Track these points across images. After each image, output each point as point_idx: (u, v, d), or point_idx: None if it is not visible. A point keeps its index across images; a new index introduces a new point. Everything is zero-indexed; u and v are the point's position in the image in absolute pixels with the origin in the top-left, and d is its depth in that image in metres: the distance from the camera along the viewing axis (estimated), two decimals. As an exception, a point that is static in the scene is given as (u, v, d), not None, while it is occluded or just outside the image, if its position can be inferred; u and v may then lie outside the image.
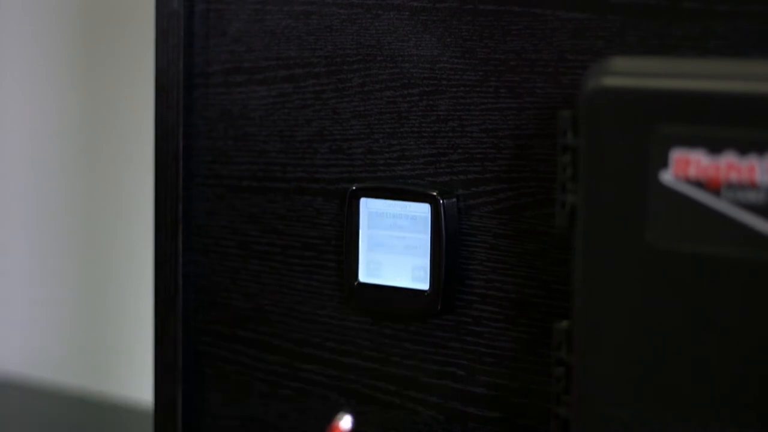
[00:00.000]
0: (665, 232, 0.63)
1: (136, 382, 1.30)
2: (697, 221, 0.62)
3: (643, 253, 0.63)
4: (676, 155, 0.62)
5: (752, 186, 0.60)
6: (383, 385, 0.82)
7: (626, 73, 0.64)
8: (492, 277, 0.77)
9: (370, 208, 0.80)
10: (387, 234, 0.79)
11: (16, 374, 1.41)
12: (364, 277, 0.80)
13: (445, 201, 0.77)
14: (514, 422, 0.77)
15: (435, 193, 0.77)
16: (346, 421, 0.74)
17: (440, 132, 0.78)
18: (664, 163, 0.62)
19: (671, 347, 0.63)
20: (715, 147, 0.61)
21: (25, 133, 1.42)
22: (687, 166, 0.62)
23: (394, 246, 0.79)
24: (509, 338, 0.77)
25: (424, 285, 0.78)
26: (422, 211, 0.78)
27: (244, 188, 0.86)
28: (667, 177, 0.62)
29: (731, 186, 0.61)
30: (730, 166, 0.61)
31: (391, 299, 0.79)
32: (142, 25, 1.16)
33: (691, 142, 0.61)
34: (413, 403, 0.81)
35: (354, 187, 0.80)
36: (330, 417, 0.83)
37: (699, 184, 0.61)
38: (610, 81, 0.64)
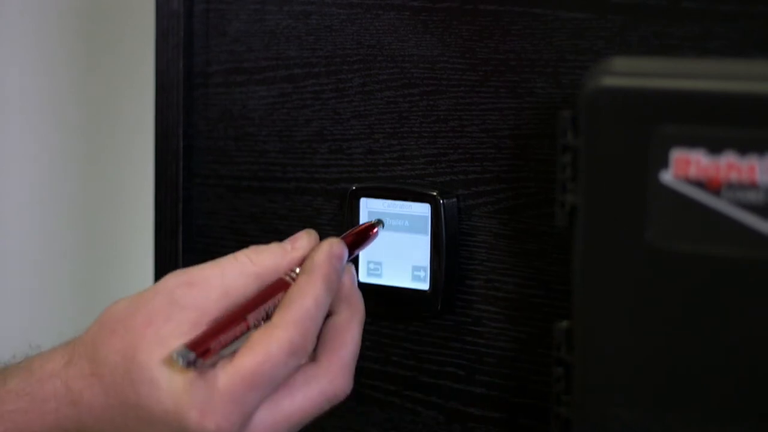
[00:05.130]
0: (665, 232, 0.62)
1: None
2: (697, 221, 0.62)
3: (643, 253, 0.63)
4: (676, 155, 0.62)
5: (752, 186, 0.60)
6: (383, 385, 0.82)
7: (626, 73, 0.64)
8: (492, 277, 0.77)
9: (370, 208, 0.80)
10: (387, 234, 0.79)
11: (16, 374, 1.41)
12: (364, 277, 0.80)
13: (445, 201, 0.77)
14: (514, 422, 0.77)
15: (435, 193, 0.77)
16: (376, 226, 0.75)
17: (440, 132, 0.78)
18: (664, 163, 0.62)
19: (671, 347, 0.63)
20: (715, 147, 0.61)
21: (24, 133, 1.42)
22: (687, 166, 0.62)
23: (395, 246, 0.79)
24: (509, 338, 0.77)
25: (424, 285, 0.78)
26: (422, 211, 0.78)
27: (244, 188, 0.86)
28: (667, 177, 0.62)
29: (731, 186, 0.61)
30: (730, 166, 0.61)
31: (391, 299, 0.79)
32: (142, 25, 1.16)
33: (691, 142, 0.61)
34: (413, 403, 0.81)
35: (354, 187, 0.80)
36: (330, 417, 0.83)
37: (699, 184, 0.61)
38: (610, 81, 0.64)
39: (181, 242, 0.88)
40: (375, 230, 0.75)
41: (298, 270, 0.68)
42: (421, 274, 0.78)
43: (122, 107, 1.35)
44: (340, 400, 0.68)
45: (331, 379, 0.67)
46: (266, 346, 0.64)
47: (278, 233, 0.85)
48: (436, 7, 0.77)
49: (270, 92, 0.85)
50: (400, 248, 0.79)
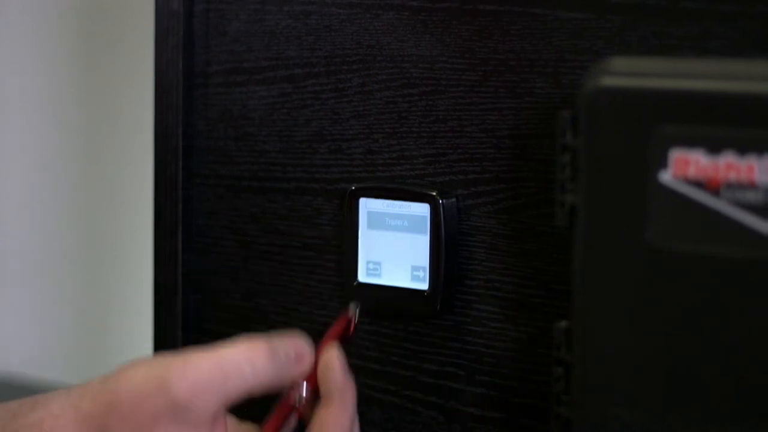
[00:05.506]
0: (665, 232, 0.62)
1: (137, 382, 1.30)
2: (696, 221, 0.62)
3: (642, 253, 0.63)
4: (676, 155, 0.62)
5: (751, 186, 0.60)
6: (383, 385, 0.82)
7: (626, 73, 0.64)
8: (491, 277, 0.77)
9: (369, 208, 0.80)
10: (386, 234, 0.79)
11: (16, 374, 1.41)
12: (363, 277, 0.80)
13: (444, 201, 0.77)
14: (514, 422, 0.77)
15: (434, 193, 0.77)
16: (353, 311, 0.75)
17: (440, 132, 0.78)
18: (663, 163, 0.62)
19: (671, 347, 0.63)
20: (714, 147, 0.61)
21: (24, 133, 1.42)
22: (686, 166, 0.62)
23: (394, 246, 0.79)
24: (509, 338, 0.77)
25: (423, 285, 0.78)
26: (422, 211, 0.78)
27: (244, 188, 0.86)
28: (667, 177, 0.62)
29: (730, 186, 0.61)
30: (729, 166, 0.61)
31: (390, 299, 0.79)
32: (142, 25, 1.16)
33: (690, 142, 0.61)
34: (413, 403, 0.81)
35: (353, 187, 0.80)
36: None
37: (698, 184, 0.61)
38: (610, 81, 0.64)
39: (181, 242, 0.88)
40: (354, 321, 0.74)
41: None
42: (421, 274, 0.78)
43: (122, 107, 1.35)
44: None
45: None
46: None
47: (278, 233, 0.85)
48: (435, 7, 0.77)
49: (270, 92, 0.85)
50: (399, 248, 0.79)
